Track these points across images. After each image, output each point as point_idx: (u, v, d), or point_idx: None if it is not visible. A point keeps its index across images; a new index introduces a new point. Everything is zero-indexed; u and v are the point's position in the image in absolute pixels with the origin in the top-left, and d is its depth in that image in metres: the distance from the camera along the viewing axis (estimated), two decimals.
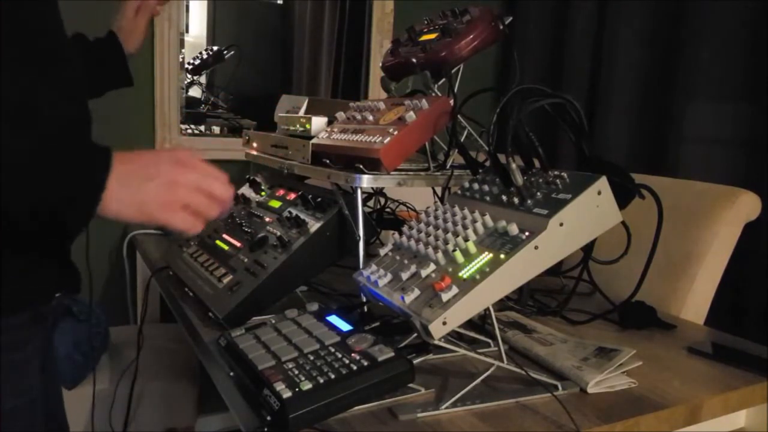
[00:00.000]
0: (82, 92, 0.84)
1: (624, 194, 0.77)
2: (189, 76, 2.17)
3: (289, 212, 1.03)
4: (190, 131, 2.12)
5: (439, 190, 1.09)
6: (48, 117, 0.72)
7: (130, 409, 1.43)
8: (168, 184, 0.67)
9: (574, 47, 2.19)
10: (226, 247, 1.09)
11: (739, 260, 1.29)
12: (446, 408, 0.72)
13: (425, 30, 1.14)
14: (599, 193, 0.71)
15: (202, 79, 2.22)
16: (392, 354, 0.71)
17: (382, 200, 1.42)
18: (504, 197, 0.79)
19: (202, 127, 2.17)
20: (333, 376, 0.68)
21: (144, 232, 1.65)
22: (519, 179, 0.77)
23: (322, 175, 1.03)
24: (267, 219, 1.09)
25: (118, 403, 1.45)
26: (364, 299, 0.92)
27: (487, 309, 0.73)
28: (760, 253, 1.59)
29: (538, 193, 0.75)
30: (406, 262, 0.79)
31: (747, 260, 1.50)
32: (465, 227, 0.76)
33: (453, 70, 1.05)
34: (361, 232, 0.96)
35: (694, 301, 1.25)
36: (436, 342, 0.70)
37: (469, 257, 0.72)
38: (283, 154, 1.19)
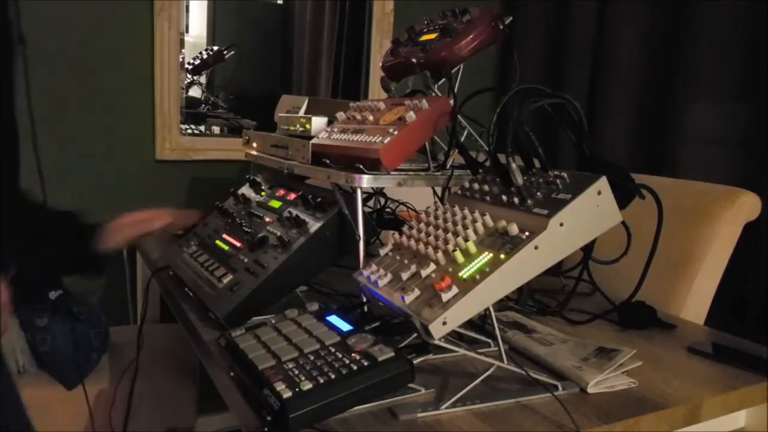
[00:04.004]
0: None
1: (624, 194, 0.77)
2: (189, 76, 2.16)
3: (289, 212, 1.03)
4: (190, 131, 2.11)
5: (439, 190, 1.09)
6: None
7: (130, 409, 1.43)
8: None
9: (574, 47, 2.18)
10: (226, 247, 1.09)
11: (739, 260, 1.29)
12: (446, 408, 0.72)
13: (425, 30, 1.14)
14: (599, 193, 0.71)
15: (202, 79, 2.21)
16: (392, 354, 0.71)
17: (382, 200, 1.42)
18: (504, 197, 0.79)
19: (202, 127, 2.16)
20: (333, 376, 0.68)
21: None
22: (519, 179, 0.77)
23: (322, 175, 1.03)
24: (267, 219, 1.09)
25: (118, 403, 1.45)
26: (364, 299, 0.92)
27: (487, 309, 0.73)
28: (760, 253, 1.59)
29: (538, 193, 0.75)
30: (406, 262, 0.79)
31: (747, 260, 1.50)
32: (465, 227, 0.76)
33: (453, 70, 1.05)
34: (361, 232, 0.96)
35: (694, 301, 1.25)
36: (436, 342, 0.70)
37: (469, 257, 0.71)
38: (283, 154, 1.19)
